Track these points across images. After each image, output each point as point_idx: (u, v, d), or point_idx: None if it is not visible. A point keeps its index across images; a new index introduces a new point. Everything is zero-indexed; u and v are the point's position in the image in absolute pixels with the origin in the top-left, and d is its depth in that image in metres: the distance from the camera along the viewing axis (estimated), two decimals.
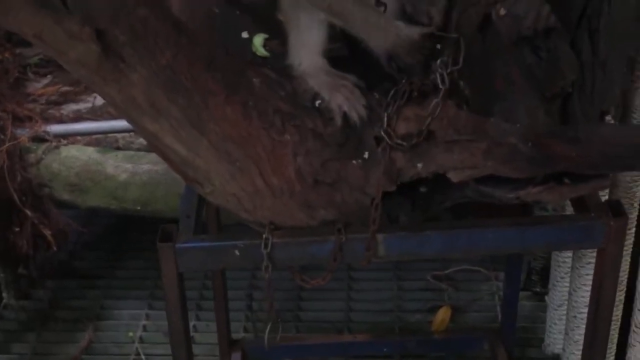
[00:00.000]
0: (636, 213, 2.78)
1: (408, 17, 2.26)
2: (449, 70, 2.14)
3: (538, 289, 4.02)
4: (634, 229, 2.83)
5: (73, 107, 3.92)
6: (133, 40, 2.00)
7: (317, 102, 2.23)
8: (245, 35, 2.52)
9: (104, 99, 2.15)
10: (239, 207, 2.28)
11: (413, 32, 2.17)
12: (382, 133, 2.17)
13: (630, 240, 2.86)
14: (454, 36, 2.16)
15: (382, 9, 2.20)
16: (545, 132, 2.10)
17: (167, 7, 2.19)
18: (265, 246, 2.26)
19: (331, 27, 2.26)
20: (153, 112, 2.11)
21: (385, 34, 2.17)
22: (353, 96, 2.20)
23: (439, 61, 2.16)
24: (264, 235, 2.26)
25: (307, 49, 2.26)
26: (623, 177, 2.71)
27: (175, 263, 2.29)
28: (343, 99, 2.20)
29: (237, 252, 2.29)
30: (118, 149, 3.80)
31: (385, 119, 2.16)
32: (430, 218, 2.43)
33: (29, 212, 3.66)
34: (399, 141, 2.16)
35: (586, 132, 2.10)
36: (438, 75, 2.14)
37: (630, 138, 2.13)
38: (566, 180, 2.17)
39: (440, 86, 2.13)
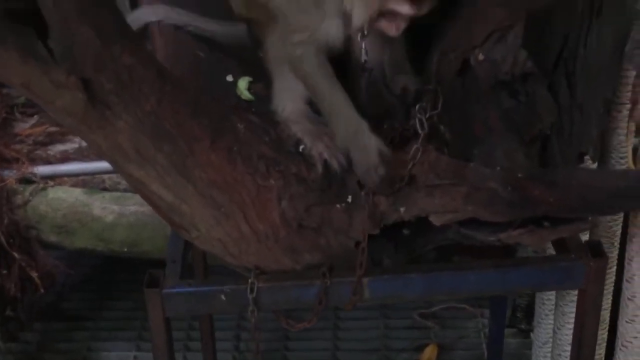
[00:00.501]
0: (617, 252, 2.81)
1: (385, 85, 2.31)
2: (427, 115, 2.18)
3: (523, 326, 4.05)
4: (614, 268, 2.85)
5: (60, 147, 3.94)
6: (118, 88, 2.03)
7: (301, 147, 2.26)
8: (229, 78, 2.56)
9: (90, 146, 2.18)
10: (225, 252, 2.30)
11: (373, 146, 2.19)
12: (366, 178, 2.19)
13: (611, 279, 2.88)
14: (431, 88, 2.21)
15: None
16: (523, 176, 2.14)
17: (151, 55, 2.22)
18: (251, 291, 2.28)
19: None
20: (139, 158, 2.13)
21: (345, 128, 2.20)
22: (334, 145, 2.24)
23: (417, 106, 2.20)
24: (249, 280, 2.29)
25: (290, 96, 2.30)
26: (603, 217, 2.74)
27: (162, 308, 2.30)
28: (324, 147, 2.24)
29: (223, 297, 2.31)
30: (105, 189, 3.82)
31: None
32: (414, 258, 2.46)
33: (16, 255, 3.67)
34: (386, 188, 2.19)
35: (564, 177, 2.14)
36: (417, 121, 2.18)
37: (606, 183, 2.17)
38: (546, 224, 2.20)
39: (420, 131, 2.18)
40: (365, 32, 2.17)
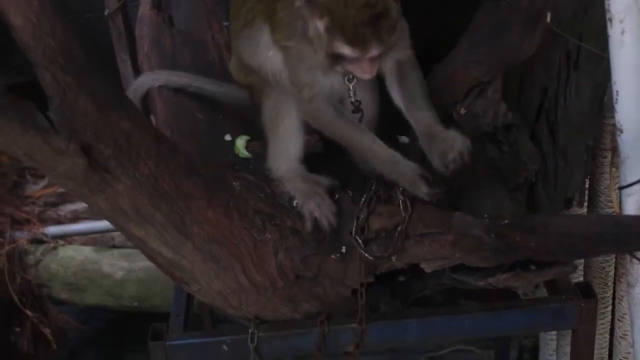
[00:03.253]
0: (610, 292, 2.86)
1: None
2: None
3: None
4: (610, 307, 2.90)
5: (70, 207, 4.04)
6: (117, 153, 2.12)
7: (295, 202, 2.35)
8: (228, 137, 2.65)
9: (92, 208, 2.25)
10: (226, 303, 2.38)
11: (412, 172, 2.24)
12: (354, 240, 2.27)
13: (607, 318, 2.93)
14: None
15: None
16: (506, 224, 2.21)
17: (147, 120, 2.32)
18: (252, 340, 2.36)
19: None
20: (139, 218, 2.22)
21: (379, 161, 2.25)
22: (324, 204, 2.32)
23: (401, 188, 2.26)
24: (249, 330, 2.36)
25: (285, 156, 2.40)
26: (596, 258, 2.80)
27: None
28: (315, 205, 2.32)
29: (225, 347, 2.39)
30: (114, 247, 3.91)
31: (354, 227, 2.27)
32: (417, 302, 2.53)
33: (29, 312, 3.75)
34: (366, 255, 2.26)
35: (542, 224, 2.20)
36: (401, 203, 2.25)
37: (582, 228, 2.23)
38: (532, 267, 2.27)
39: (403, 213, 2.25)
40: (350, 76, 2.24)
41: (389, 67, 2.28)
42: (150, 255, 2.34)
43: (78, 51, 2.02)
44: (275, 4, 2.27)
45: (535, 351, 3.96)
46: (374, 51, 2.10)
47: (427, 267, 2.29)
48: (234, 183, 2.34)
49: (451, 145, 2.19)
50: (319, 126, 2.33)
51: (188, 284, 2.37)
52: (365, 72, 2.16)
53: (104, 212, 2.22)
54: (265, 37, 2.34)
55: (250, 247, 2.30)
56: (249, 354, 2.37)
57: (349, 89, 2.26)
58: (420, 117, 2.26)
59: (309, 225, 2.30)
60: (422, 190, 2.20)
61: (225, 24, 3.00)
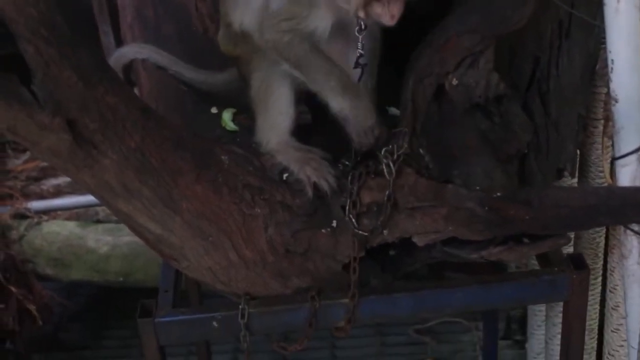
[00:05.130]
0: (601, 263, 2.86)
1: None
2: (395, 158, 2.23)
3: (518, 337, 4.09)
4: (600, 279, 2.90)
5: (53, 182, 4.00)
6: (103, 127, 2.08)
7: (285, 176, 2.31)
8: (214, 110, 2.61)
9: (78, 184, 2.22)
10: (215, 280, 2.35)
11: (371, 107, 2.26)
12: (347, 218, 2.25)
13: (597, 289, 2.93)
14: (404, 130, 2.26)
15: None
16: (500, 196, 2.19)
17: (133, 93, 2.27)
18: (242, 316, 2.33)
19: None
20: (126, 193, 2.18)
21: (343, 94, 2.22)
22: (321, 167, 2.29)
23: (383, 151, 2.24)
24: (240, 306, 2.33)
25: (276, 129, 2.36)
26: (586, 230, 2.79)
27: (155, 337, 2.35)
28: (312, 170, 2.28)
29: (215, 324, 2.36)
30: (98, 221, 3.88)
31: (348, 204, 2.25)
32: (405, 275, 2.51)
33: (13, 289, 3.72)
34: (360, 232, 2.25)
35: (537, 196, 2.19)
36: (385, 167, 2.23)
37: (578, 200, 2.22)
38: (525, 240, 2.26)
39: (388, 177, 2.22)
40: (363, 26, 2.21)
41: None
42: (137, 231, 2.31)
43: (61, 22, 1.97)
44: None
45: (523, 321, 3.97)
46: None
47: (419, 241, 2.28)
48: (222, 157, 2.30)
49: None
50: (278, 52, 2.24)
51: (177, 261, 2.33)
52: (393, 16, 2.12)
53: (90, 187, 2.19)
54: None
55: (239, 222, 2.27)
56: (239, 330, 2.35)
57: (359, 41, 2.23)
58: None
59: (309, 190, 2.27)
60: (370, 136, 2.21)
61: None
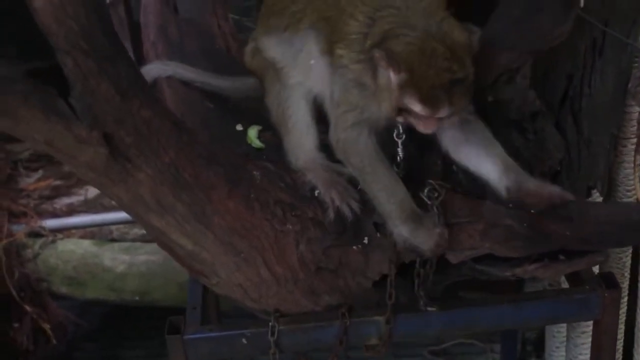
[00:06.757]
0: (627, 282, 2.85)
1: None
2: (437, 197, 2.22)
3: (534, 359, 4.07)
4: (626, 298, 2.89)
5: (66, 200, 3.98)
6: (138, 141, 2.08)
7: (316, 192, 2.30)
8: (239, 127, 2.60)
9: (111, 199, 2.21)
10: (245, 296, 2.33)
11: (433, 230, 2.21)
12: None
13: (623, 309, 2.91)
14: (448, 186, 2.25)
15: None
16: (539, 213, 2.18)
17: (166, 107, 2.27)
18: (272, 334, 2.31)
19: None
20: (159, 209, 2.17)
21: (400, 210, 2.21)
22: (346, 192, 2.28)
23: (426, 190, 2.23)
24: (270, 323, 2.31)
25: (302, 149, 2.36)
26: (614, 249, 2.77)
27: (184, 354, 2.33)
28: (336, 194, 2.27)
29: (244, 341, 2.34)
30: (113, 240, 3.86)
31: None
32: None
33: (27, 307, 3.70)
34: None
35: (578, 212, 2.18)
36: (429, 206, 2.22)
37: (621, 216, 2.21)
38: (561, 257, 2.24)
39: (429, 202, 2.22)
40: (401, 132, 2.22)
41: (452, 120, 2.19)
42: (169, 247, 2.29)
43: (100, 36, 1.97)
44: (340, 17, 2.18)
45: (538, 343, 3.95)
46: (444, 112, 2.06)
47: (453, 258, 2.26)
48: (255, 172, 2.30)
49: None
50: (346, 155, 2.25)
51: (208, 277, 2.32)
52: (427, 128, 2.12)
53: (124, 202, 2.18)
54: (311, 45, 2.28)
55: (271, 238, 2.26)
56: (268, 347, 2.33)
57: (398, 147, 2.24)
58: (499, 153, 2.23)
59: (331, 213, 2.26)
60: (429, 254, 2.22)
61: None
